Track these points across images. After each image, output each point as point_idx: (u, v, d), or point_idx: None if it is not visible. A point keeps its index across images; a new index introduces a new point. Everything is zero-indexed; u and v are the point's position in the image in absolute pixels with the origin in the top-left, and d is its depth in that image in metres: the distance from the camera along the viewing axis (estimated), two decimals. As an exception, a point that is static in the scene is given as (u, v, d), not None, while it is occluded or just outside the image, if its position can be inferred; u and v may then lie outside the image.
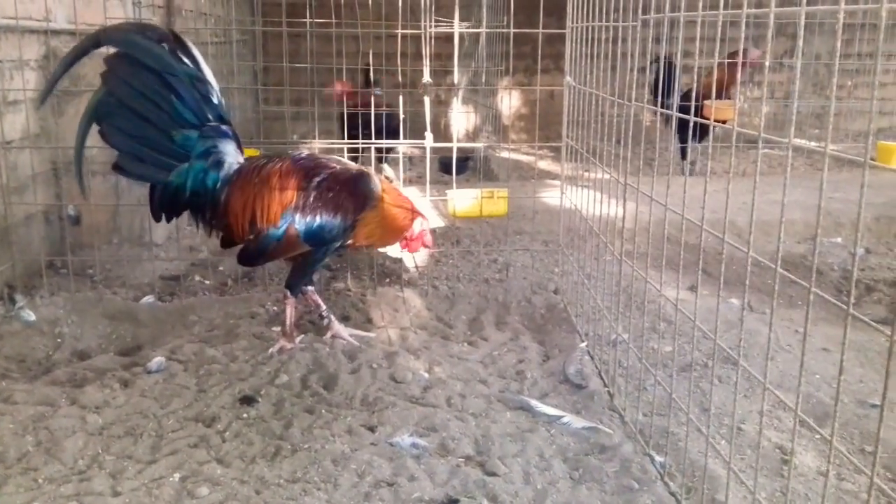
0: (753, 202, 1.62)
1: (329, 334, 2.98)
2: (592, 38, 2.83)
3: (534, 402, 2.48)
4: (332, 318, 3.01)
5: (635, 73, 2.39)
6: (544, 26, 3.37)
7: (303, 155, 2.86)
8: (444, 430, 2.29)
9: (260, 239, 2.72)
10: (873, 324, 1.33)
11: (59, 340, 3.03)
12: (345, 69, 4.63)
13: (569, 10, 3.17)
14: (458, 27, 3.81)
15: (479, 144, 6.19)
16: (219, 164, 2.73)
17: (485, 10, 5.51)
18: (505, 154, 6.57)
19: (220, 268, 3.83)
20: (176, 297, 3.49)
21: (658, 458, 2.16)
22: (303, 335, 2.98)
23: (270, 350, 2.83)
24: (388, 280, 3.70)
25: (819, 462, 2.21)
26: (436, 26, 3.81)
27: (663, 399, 2.34)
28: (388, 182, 2.93)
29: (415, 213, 2.93)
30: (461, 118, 7.55)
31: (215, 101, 2.71)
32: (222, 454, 2.17)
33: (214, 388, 2.56)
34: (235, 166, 2.77)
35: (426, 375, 2.68)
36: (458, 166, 4.65)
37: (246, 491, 1.98)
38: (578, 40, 3.04)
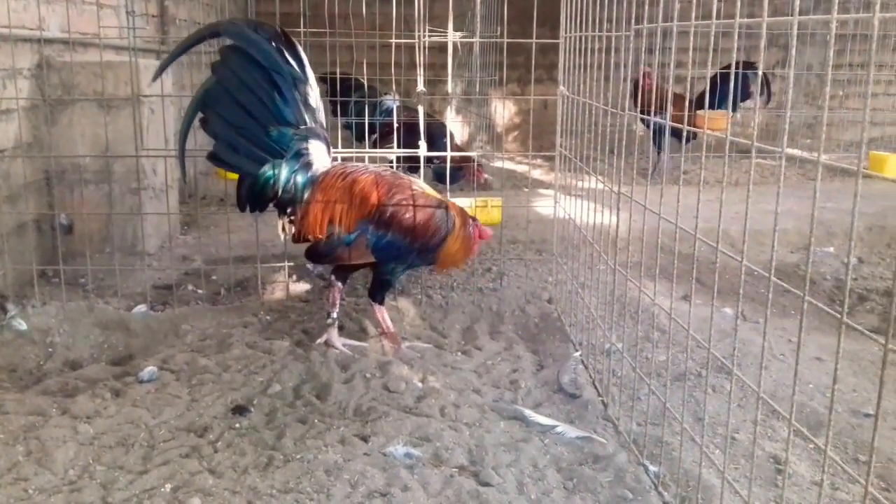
0: (747, 211, 1.62)
1: (323, 338, 2.98)
2: (585, 48, 2.84)
3: (528, 412, 2.47)
4: (335, 325, 3.01)
5: (628, 82, 2.40)
6: (538, 36, 3.38)
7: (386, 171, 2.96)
8: (437, 439, 2.28)
9: (331, 240, 2.82)
10: (867, 332, 1.33)
11: (50, 350, 3.01)
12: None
13: (562, 20, 3.18)
14: (451, 37, 3.81)
15: (472, 153, 6.19)
16: (308, 165, 2.84)
17: (479, 20, 5.52)
18: (499, 163, 6.58)
19: (213, 277, 3.82)
20: (168, 306, 3.48)
21: (652, 468, 2.16)
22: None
23: (389, 353, 2.96)
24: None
25: (813, 471, 2.20)
26: (430, 36, 3.81)
27: (657, 408, 2.34)
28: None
29: (475, 225, 3.01)
30: (455, 127, 7.55)
31: (313, 104, 2.82)
32: (214, 464, 2.16)
33: (207, 397, 2.55)
34: (322, 168, 2.87)
35: (420, 385, 2.68)
36: (452, 175, 4.65)
37: (238, 501, 1.97)
38: (572, 50, 3.05)
